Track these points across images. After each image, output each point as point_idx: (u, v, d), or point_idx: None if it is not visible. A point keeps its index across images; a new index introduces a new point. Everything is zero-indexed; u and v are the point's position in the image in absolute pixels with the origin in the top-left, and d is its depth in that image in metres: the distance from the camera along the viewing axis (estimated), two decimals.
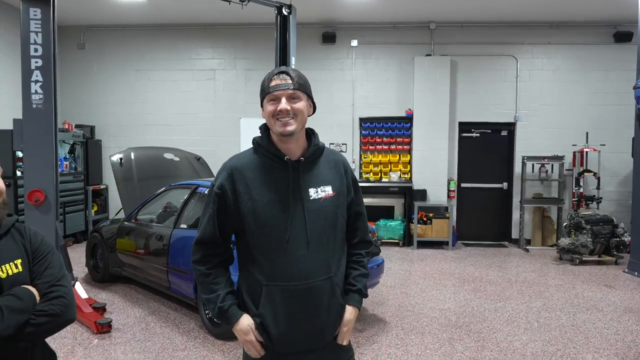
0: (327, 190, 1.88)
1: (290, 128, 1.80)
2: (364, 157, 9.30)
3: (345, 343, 1.94)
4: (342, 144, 9.24)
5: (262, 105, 1.87)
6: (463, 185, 9.34)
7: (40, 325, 1.63)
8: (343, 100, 9.25)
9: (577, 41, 8.97)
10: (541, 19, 8.81)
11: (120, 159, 6.48)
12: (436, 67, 8.95)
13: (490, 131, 9.32)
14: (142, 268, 5.56)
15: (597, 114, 8.95)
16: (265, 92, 1.83)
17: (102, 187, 9.39)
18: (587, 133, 8.68)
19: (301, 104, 1.82)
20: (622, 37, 8.80)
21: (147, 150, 7.08)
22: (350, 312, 1.93)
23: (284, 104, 1.79)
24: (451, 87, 9.00)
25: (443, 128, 8.95)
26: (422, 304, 5.56)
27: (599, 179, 8.46)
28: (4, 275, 1.64)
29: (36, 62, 4.94)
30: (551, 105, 9.04)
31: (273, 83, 1.81)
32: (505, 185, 9.33)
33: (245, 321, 1.82)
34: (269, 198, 1.81)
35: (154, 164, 6.82)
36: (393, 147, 9.25)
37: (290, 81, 1.81)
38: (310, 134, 1.95)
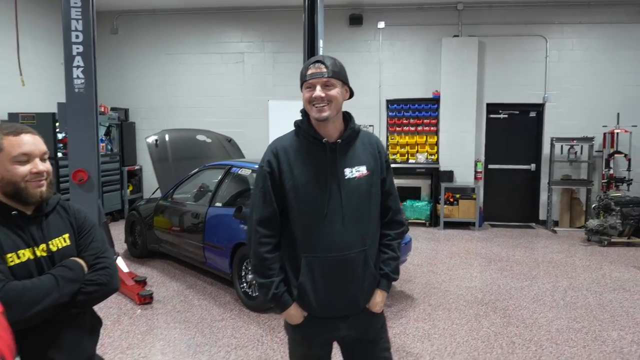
0: (361, 170, 2.02)
1: (325, 114, 1.94)
2: (391, 139, 9.37)
3: (377, 309, 2.09)
4: (369, 126, 9.32)
5: (302, 91, 2.02)
6: (490, 166, 9.35)
7: (89, 294, 1.83)
8: (370, 82, 9.31)
9: (609, 20, 8.79)
10: None
11: (156, 140, 6.73)
12: (464, 48, 8.91)
13: (518, 112, 9.27)
14: (179, 244, 5.82)
15: (628, 94, 8.79)
16: (303, 79, 1.98)
17: (136, 167, 9.73)
18: (618, 114, 8.55)
19: (335, 91, 1.95)
20: None
21: (180, 132, 7.31)
22: (378, 295, 2.07)
23: (318, 92, 1.93)
24: (479, 68, 8.96)
25: (470, 109, 8.94)
26: (448, 281, 5.69)
27: (629, 160, 8.36)
28: (54, 249, 1.81)
29: (77, 49, 5.16)
30: (581, 86, 8.92)
31: (309, 72, 1.96)
32: (533, 166, 9.29)
33: (294, 310, 2.00)
34: (309, 177, 1.97)
35: (187, 145, 7.05)
36: (420, 128, 9.29)
37: (324, 70, 1.94)
38: (347, 117, 2.09)
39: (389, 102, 9.35)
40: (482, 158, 9.24)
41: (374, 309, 2.07)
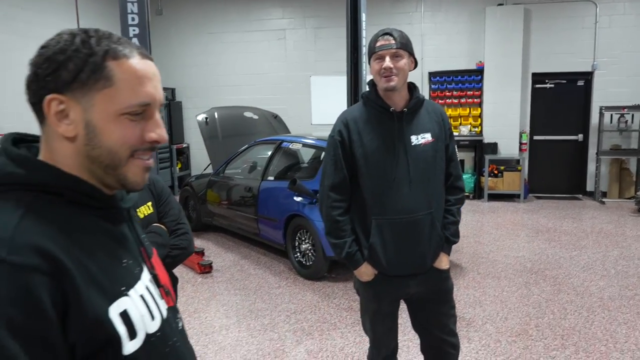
0: (426, 137, 2.14)
1: (393, 83, 2.05)
2: None
3: (444, 266, 2.22)
4: None
5: (369, 64, 2.13)
6: (536, 137, 9.20)
7: (174, 257, 2.04)
8: None
9: None
10: None
11: (206, 118, 6.96)
12: (509, 16, 8.71)
13: (565, 81, 9.04)
14: (232, 217, 6.08)
15: None
16: (372, 51, 2.09)
17: (184, 145, 10.07)
18: None
19: (403, 62, 2.06)
20: None
21: (228, 109, 7.52)
22: (442, 257, 2.20)
23: (387, 62, 2.03)
24: (524, 37, 8.75)
25: (515, 80, 8.78)
26: (496, 251, 5.75)
27: None
28: (142, 216, 2.00)
29: (134, 30, 5.38)
30: (633, 52, 8.60)
31: (378, 43, 2.06)
32: (580, 137, 9.09)
33: (365, 267, 2.15)
34: (377, 144, 2.10)
35: (235, 122, 7.27)
36: (463, 100, 9.22)
37: (393, 41, 2.04)
38: (412, 87, 2.20)
39: (432, 75, 9.29)
40: (527, 129, 9.10)
41: (440, 267, 2.20)
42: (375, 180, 2.11)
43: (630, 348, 3.46)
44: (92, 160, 0.84)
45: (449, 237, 2.21)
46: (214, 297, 4.56)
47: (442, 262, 2.20)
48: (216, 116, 7.08)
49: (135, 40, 5.39)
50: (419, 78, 9.27)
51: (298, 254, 5.08)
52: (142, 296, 0.86)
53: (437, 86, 9.27)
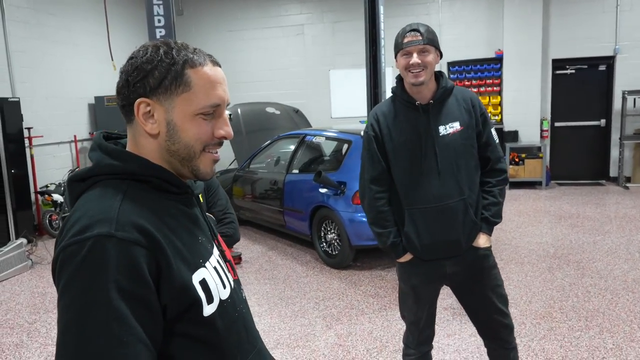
0: (454, 126, 2.22)
1: (421, 79, 2.14)
2: None
3: (482, 244, 2.24)
4: None
5: (395, 59, 2.23)
6: (557, 124, 9.17)
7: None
8: None
9: None
10: None
11: (229, 114, 7.10)
12: (527, 2, 8.67)
13: (586, 67, 8.98)
14: (258, 210, 6.27)
15: None
16: (399, 47, 2.17)
17: None
18: None
19: (430, 57, 2.14)
20: None
21: (251, 105, 7.70)
22: (481, 237, 2.24)
23: (415, 58, 2.11)
24: (544, 23, 8.72)
25: (535, 66, 8.76)
26: (519, 238, 5.82)
27: None
28: None
29: (160, 32, 5.56)
30: None
31: (406, 40, 2.14)
32: (602, 122, 9.03)
33: (407, 256, 2.27)
34: (405, 138, 2.21)
35: (258, 117, 7.44)
36: (483, 89, 9.23)
37: (420, 37, 2.12)
38: (439, 76, 2.27)
39: (450, 65, 9.31)
40: (549, 116, 9.08)
41: (479, 245, 2.24)
42: (404, 173, 2.23)
43: None
44: (171, 153, 1.00)
45: (488, 217, 2.25)
46: (245, 286, 4.69)
47: (480, 240, 2.24)
48: (239, 112, 7.26)
49: None
50: (438, 68, 9.29)
51: (324, 244, 5.23)
52: (215, 268, 1.02)
53: (456, 76, 9.29)
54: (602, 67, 8.92)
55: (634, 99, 8.48)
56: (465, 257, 2.26)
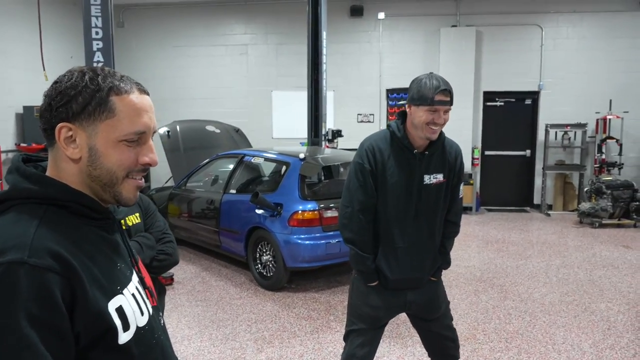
0: (438, 177, 2.36)
1: (436, 135, 2.25)
2: None
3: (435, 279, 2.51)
4: (370, 115, 9.61)
5: (413, 105, 2.20)
6: (487, 153, 9.69)
7: (162, 261, 2.24)
8: (370, 72, 9.59)
9: (603, 9, 9.07)
10: None
11: (168, 131, 7.02)
12: (462, 38, 9.19)
13: (514, 100, 9.59)
14: (193, 230, 6.15)
15: (621, 81, 9.11)
16: (427, 102, 2.16)
17: None
18: (610, 100, 8.87)
19: (448, 115, 2.23)
20: None
21: (190, 122, 7.60)
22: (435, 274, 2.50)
23: (441, 119, 2.19)
24: (476, 57, 9.25)
25: (468, 98, 9.25)
26: None
27: (621, 145, 8.70)
28: (130, 224, 2.22)
29: (97, 44, 5.44)
30: (575, 74, 9.23)
31: (437, 98, 2.15)
32: (528, 152, 9.64)
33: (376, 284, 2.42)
34: (397, 179, 2.31)
35: (197, 135, 7.35)
36: None
37: (449, 99, 2.19)
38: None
39: (389, 92, 9.64)
40: (479, 145, 9.57)
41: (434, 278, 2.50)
42: (387, 210, 2.34)
43: (566, 349, 3.77)
44: (92, 178, 1.00)
45: (439, 267, 2.50)
46: (175, 308, 4.63)
47: (435, 277, 2.51)
48: (178, 129, 7.14)
49: (99, 54, 5.44)
50: (377, 94, 9.62)
51: (259, 266, 5.20)
52: (133, 295, 1.02)
53: (394, 102, 9.62)
54: (528, 101, 9.56)
55: (556, 132, 9.12)
56: (424, 289, 2.47)
